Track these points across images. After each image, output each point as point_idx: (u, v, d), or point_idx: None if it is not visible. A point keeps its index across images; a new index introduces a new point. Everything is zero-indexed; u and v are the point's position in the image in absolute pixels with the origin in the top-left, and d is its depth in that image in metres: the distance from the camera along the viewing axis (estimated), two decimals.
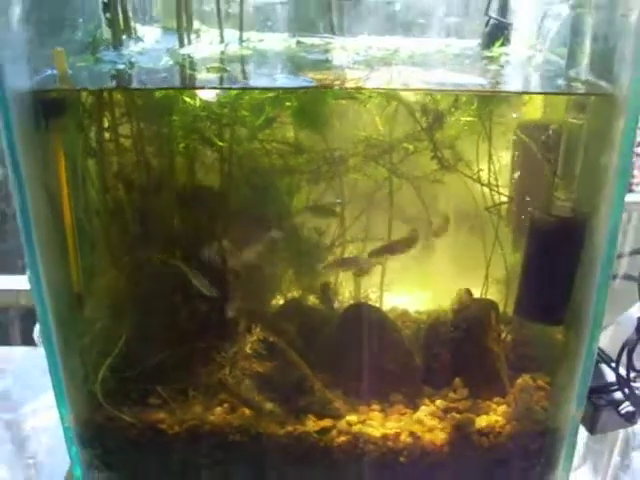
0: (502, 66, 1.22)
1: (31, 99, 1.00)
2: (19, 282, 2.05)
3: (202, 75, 1.12)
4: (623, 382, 1.30)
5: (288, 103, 1.17)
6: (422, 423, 1.22)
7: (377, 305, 1.34)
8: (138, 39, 1.23)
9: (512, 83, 1.21)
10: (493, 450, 1.20)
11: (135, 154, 1.16)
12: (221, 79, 1.11)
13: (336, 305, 1.33)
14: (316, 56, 1.20)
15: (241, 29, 1.21)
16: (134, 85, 1.14)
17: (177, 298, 1.21)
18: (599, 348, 1.41)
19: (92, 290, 1.20)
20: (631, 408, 1.31)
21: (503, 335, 1.32)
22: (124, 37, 1.21)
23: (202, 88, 1.13)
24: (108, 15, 1.20)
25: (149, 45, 1.23)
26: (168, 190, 1.22)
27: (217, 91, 1.14)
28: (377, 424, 1.22)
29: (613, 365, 1.33)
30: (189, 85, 1.15)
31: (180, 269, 1.18)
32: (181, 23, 1.20)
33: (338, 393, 1.24)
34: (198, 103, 1.12)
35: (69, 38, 1.13)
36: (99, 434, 1.20)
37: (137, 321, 1.22)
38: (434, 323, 1.34)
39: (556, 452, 1.22)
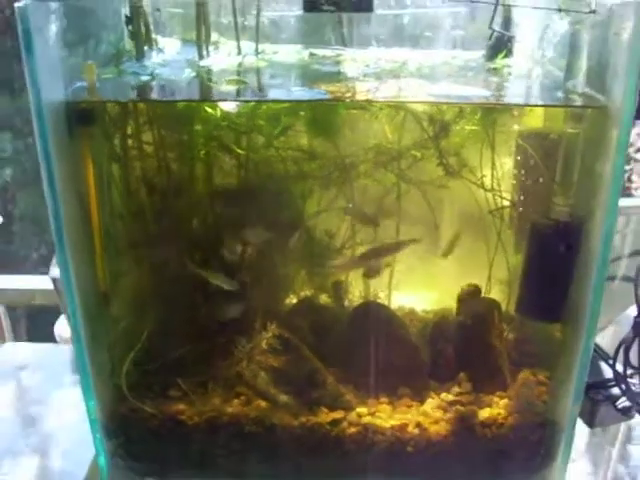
0: (504, 78, 1.25)
1: (63, 109, 1.04)
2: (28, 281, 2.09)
3: (223, 87, 1.16)
4: (620, 378, 1.32)
5: (302, 113, 1.21)
6: (428, 415, 1.24)
7: (385, 304, 1.36)
8: (159, 50, 1.28)
9: (514, 95, 1.24)
10: (495, 441, 1.23)
11: (157, 160, 1.21)
12: (240, 91, 1.16)
13: (346, 303, 1.36)
14: (328, 68, 1.24)
15: (257, 41, 1.25)
16: (159, 97, 1.20)
17: (197, 296, 1.25)
18: (598, 346, 1.43)
19: (117, 288, 1.23)
20: (628, 403, 1.33)
21: (505, 333, 1.34)
22: (146, 49, 1.27)
23: (224, 100, 1.17)
24: (130, 28, 1.26)
25: (170, 56, 1.27)
26: (188, 194, 1.27)
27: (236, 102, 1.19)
28: (385, 416, 1.24)
29: (611, 362, 1.34)
30: (210, 97, 1.19)
31: (199, 272, 1.24)
32: (200, 35, 1.26)
33: (349, 386, 1.27)
34: (219, 113, 1.17)
35: (96, 51, 1.18)
36: (123, 425, 1.24)
37: (159, 318, 1.26)
38: (440, 321, 1.37)
39: (555, 444, 1.25)
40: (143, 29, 1.25)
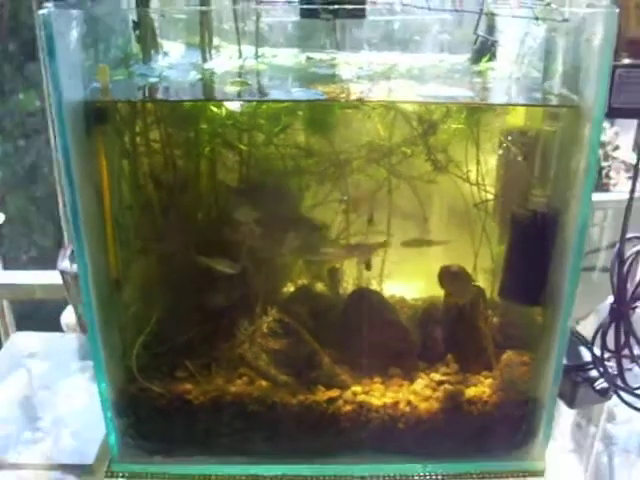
0: (488, 80, 1.32)
1: (82, 109, 1.12)
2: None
3: (227, 88, 1.24)
4: (598, 361, 1.39)
5: (300, 112, 1.28)
6: (418, 394, 1.31)
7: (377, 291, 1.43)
8: (165, 54, 1.35)
9: (496, 95, 1.31)
10: (481, 418, 1.30)
11: (165, 157, 1.28)
12: (242, 92, 1.22)
13: (341, 291, 1.43)
14: (324, 71, 1.31)
15: (257, 46, 1.32)
16: (169, 97, 1.27)
17: (202, 282, 1.32)
18: (578, 332, 1.50)
19: (128, 276, 1.30)
20: (605, 384, 1.40)
21: (490, 317, 1.41)
22: (152, 52, 1.34)
23: (230, 100, 1.25)
24: (137, 32, 1.33)
25: (175, 60, 1.34)
26: (194, 187, 1.35)
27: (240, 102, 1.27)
28: (378, 394, 1.31)
29: (589, 347, 1.42)
30: (216, 97, 1.27)
31: (202, 259, 1.31)
32: (204, 40, 1.33)
33: (344, 367, 1.33)
34: (224, 112, 1.25)
35: (106, 54, 1.25)
36: (132, 404, 1.30)
37: (167, 303, 1.33)
38: (428, 307, 1.45)
39: (537, 420, 1.32)
40: (149, 34, 1.33)
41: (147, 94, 1.24)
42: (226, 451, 1.33)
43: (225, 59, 1.33)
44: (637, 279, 1.40)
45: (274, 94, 1.26)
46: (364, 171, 1.34)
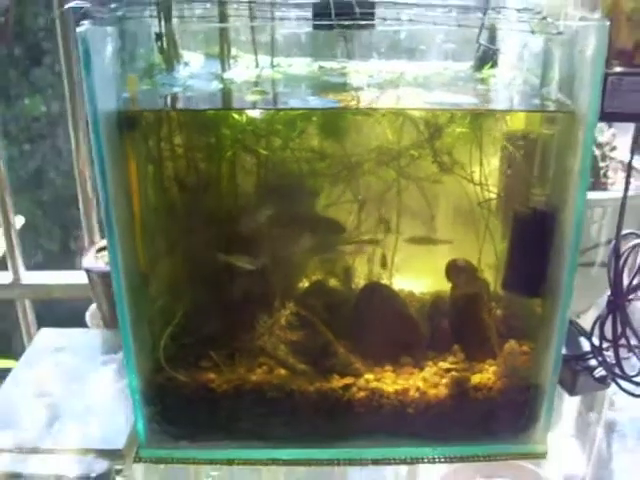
0: (490, 86, 1.39)
1: (114, 119, 1.20)
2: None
3: (248, 97, 1.32)
4: (596, 351, 1.45)
5: (314, 118, 1.36)
6: (427, 381, 1.37)
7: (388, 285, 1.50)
8: (185, 64, 1.41)
9: (498, 101, 1.38)
10: (486, 403, 1.36)
11: (193, 161, 1.36)
12: (262, 101, 1.30)
13: (353, 285, 1.50)
14: (336, 79, 1.38)
15: (272, 56, 1.39)
16: (193, 106, 1.35)
17: (224, 278, 1.39)
18: (578, 323, 1.57)
19: (156, 271, 1.38)
20: (603, 373, 1.46)
21: (494, 309, 1.48)
22: (174, 62, 1.40)
23: (252, 109, 1.33)
24: (159, 43, 1.41)
25: (195, 70, 1.40)
26: (215, 189, 1.42)
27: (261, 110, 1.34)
28: (390, 382, 1.36)
29: (589, 337, 1.49)
30: (238, 106, 1.35)
31: (222, 256, 1.39)
32: (223, 51, 1.39)
33: (358, 356, 1.38)
34: (244, 119, 1.33)
35: (132, 65, 1.31)
36: (160, 393, 1.37)
37: (192, 297, 1.40)
38: (436, 300, 1.51)
39: (538, 406, 1.37)
40: (171, 44, 1.40)
41: (174, 103, 1.32)
42: (247, 436, 1.39)
43: (243, 69, 1.40)
44: (633, 273, 1.47)
45: (291, 102, 1.34)
46: (375, 173, 1.41)
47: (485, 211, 1.43)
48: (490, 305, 1.47)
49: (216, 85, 1.36)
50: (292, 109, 1.35)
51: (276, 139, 1.38)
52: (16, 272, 2.22)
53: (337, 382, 1.36)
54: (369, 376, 1.37)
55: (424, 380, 1.38)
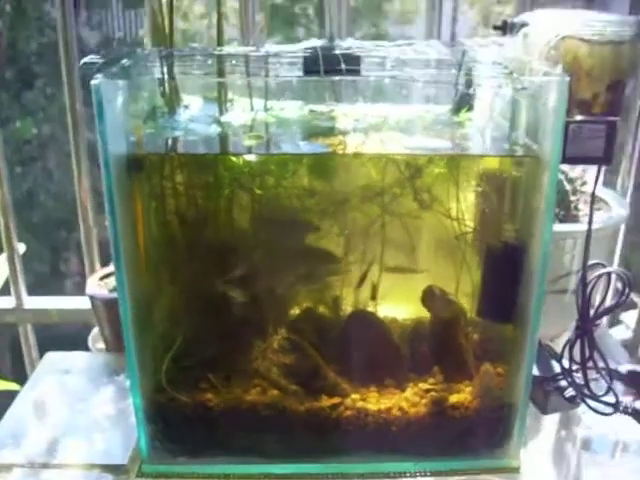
0: (466, 130, 1.50)
1: (124, 161, 1.30)
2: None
3: (245, 141, 1.42)
4: (566, 373, 1.54)
5: (305, 160, 1.45)
6: (408, 400, 1.40)
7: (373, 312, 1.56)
8: (186, 107, 1.50)
9: (472, 145, 1.48)
10: (463, 421, 1.42)
11: (194, 199, 1.45)
12: (257, 145, 1.41)
13: (341, 312, 1.56)
14: (325, 123, 1.47)
15: (266, 100, 1.50)
16: (193, 149, 1.45)
17: (221, 307, 1.48)
18: (549, 346, 1.67)
19: (159, 299, 1.46)
20: (573, 393, 1.54)
21: (470, 334, 1.54)
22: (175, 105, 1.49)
23: (249, 154, 1.43)
24: (161, 88, 1.50)
25: (195, 113, 1.50)
26: (212, 225, 1.51)
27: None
28: (374, 401, 1.40)
29: (559, 359, 1.58)
30: (237, 151, 1.45)
31: (219, 287, 1.50)
32: (221, 96, 1.50)
33: (345, 378, 1.42)
34: (241, 162, 1.43)
35: (137, 108, 1.41)
36: (161, 412, 1.44)
37: (192, 324, 1.48)
38: (417, 326, 1.57)
39: (511, 423, 1.45)
40: (172, 89, 1.48)
41: (176, 147, 1.43)
42: (243, 452, 1.45)
43: (239, 112, 1.49)
44: (598, 300, 1.58)
45: (284, 147, 1.45)
46: (360, 209, 1.49)
47: (462, 243, 1.50)
48: (467, 330, 1.53)
49: (215, 129, 1.46)
50: (285, 154, 1.45)
51: (270, 178, 1.46)
52: (19, 297, 2.31)
53: (326, 402, 1.40)
54: (355, 396, 1.42)
55: (406, 400, 1.42)
